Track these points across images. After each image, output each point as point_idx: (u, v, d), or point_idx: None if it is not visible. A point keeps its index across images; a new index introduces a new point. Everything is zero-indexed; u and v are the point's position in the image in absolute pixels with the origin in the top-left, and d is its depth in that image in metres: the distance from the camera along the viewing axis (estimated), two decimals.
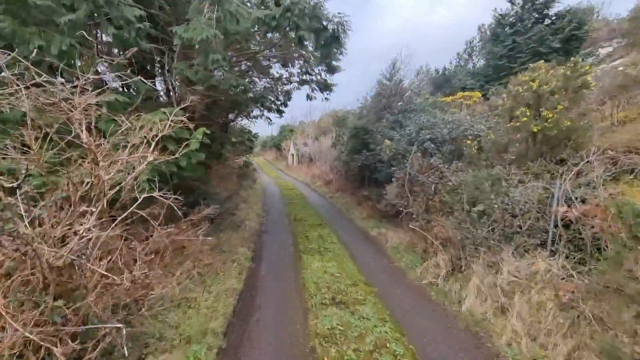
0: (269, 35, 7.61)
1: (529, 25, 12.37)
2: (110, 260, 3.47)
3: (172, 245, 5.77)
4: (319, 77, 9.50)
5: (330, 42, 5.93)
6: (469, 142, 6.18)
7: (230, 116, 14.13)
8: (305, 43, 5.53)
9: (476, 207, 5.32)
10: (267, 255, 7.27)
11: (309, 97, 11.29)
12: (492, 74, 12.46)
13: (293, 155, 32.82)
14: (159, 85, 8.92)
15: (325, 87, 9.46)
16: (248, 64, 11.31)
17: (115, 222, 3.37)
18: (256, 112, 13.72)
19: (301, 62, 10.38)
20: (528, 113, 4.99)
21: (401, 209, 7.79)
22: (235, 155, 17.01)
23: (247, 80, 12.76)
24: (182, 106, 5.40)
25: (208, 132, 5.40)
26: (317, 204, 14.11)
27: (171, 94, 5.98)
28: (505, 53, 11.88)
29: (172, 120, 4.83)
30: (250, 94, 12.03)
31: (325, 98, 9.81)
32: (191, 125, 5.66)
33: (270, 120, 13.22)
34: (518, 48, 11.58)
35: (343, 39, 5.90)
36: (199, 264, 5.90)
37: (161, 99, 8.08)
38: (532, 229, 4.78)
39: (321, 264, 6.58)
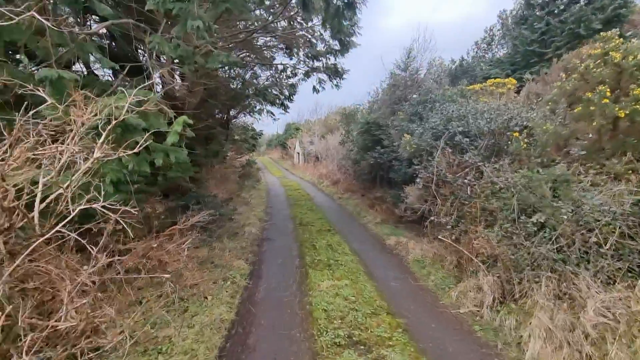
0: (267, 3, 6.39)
1: (562, 7, 11.01)
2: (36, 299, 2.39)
3: (149, 263, 4.70)
4: (328, 62, 8.32)
5: (342, 10, 4.77)
6: (516, 134, 4.96)
7: (232, 112, 13.12)
8: (311, 9, 4.38)
9: (533, 216, 4.11)
10: (268, 271, 6.16)
11: (315, 90, 10.15)
12: (520, 61, 11.12)
13: (299, 153, 31.76)
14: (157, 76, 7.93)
15: (335, 73, 8.29)
16: (247, 52, 10.26)
17: (32, 246, 2.28)
18: (259, 107, 12.68)
19: (306, 49, 9.24)
20: (608, 93, 3.76)
21: (426, 215, 6.61)
22: (238, 153, 16.02)
23: (249, 74, 11.74)
24: (153, 89, 4.33)
25: (190, 122, 4.30)
26: (324, 206, 12.98)
27: (152, 76, 4.87)
28: (537, 37, 10.53)
29: (141, 104, 3.75)
30: (253, 88, 11.01)
31: (336, 85, 8.62)
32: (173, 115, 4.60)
33: (274, 115, 12.14)
34: (551, 31, 10.25)
35: (359, 6, 4.74)
36: (183, 284, 4.82)
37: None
38: (618, 249, 3.57)
39: (332, 282, 5.45)
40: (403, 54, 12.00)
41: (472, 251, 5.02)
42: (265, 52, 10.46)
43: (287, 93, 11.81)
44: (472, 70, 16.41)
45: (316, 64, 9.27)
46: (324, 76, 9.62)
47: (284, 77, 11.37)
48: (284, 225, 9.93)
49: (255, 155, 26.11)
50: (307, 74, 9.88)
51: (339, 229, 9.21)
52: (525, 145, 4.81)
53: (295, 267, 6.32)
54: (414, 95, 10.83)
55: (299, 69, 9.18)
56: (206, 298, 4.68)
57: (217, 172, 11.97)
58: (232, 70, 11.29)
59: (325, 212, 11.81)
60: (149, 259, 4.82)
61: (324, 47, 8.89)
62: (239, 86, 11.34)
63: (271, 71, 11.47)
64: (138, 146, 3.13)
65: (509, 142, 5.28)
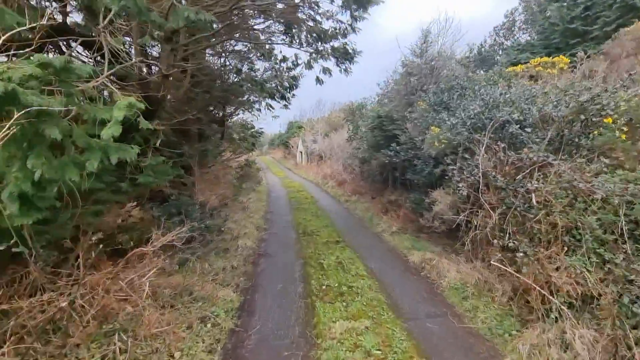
0: None
1: None
2: None
3: (93, 304, 3.36)
4: (336, 43, 6.92)
5: None
6: (608, 120, 3.53)
7: (229, 110, 11.84)
8: None
9: None
10: (263, 303, 4.77)
11: (319, 81, 8.77)
12: (557, 42, 9.62)
13: (302, 153, 30.42)
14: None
15: (345, 55, 6.86)
16: (245, 42, 8.92)
17: None
18: (258, 99, 11.36)
19: (309, 29, 7.84)
20: None
21: (463, 228, 5.20)
22: (236, 153, 14.75)
23: (245, 65, 10.40)
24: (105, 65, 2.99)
25: (143, 105, 2.93)
26: (330, 211, 11.58)
27: (105, 55, 3.50)
28: (579, 13, 9.04)
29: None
30: (250, 80, 9.68)
31: (345, 70, 7.20)
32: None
33: (273, 108, 10.81)
34: (597, 5, 8.75)
35: None
36: (142, 335, 3.45)
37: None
38: None
39: (347, 323, 4.05)
40: (419, 38, 10.54)
41: (545, 286, 3.59)
42: (262, 37, 9.06)
43: (287, 85, 10.49)
44: (491, 58, 14.94)
45: (321, 47, 7.86)
46: (329, 63, 8.22)
47: (284, 68, 10.04)
48: (285, 235, 8.56)
49: (256, 155, 24.76)
50: (309, 64, 8.46)
51: (349, 240, 7.82)
52: (624, 136, 3.38)
53: (299, 297, 4.94)
54: (431, 86, 9.39)
55: (301, 51, 7.77)
56: (172, 357, 3.31)
57: (210, 175, 10.67)
58: (227, 60, 9.99)
59: (332, 217, 10.42)
60: (94, 297, 3.48)
61: (329, 28, 7.50)
62: (235, 79, 10.05)
63: (270, 62, 10.13)
64: (4, 131, 1.74)
65: (589, 132, 3.83)
